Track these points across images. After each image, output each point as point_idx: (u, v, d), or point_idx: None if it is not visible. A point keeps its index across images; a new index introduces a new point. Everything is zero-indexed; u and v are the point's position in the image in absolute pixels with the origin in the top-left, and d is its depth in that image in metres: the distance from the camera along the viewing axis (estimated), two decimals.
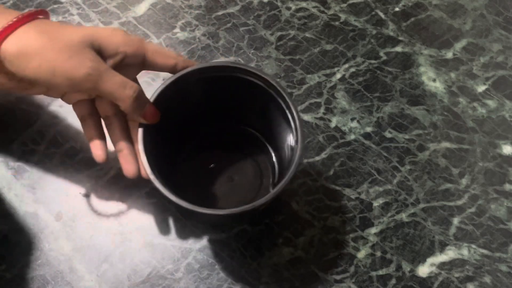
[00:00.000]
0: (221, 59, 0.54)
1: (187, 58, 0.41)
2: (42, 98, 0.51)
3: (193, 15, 0.57)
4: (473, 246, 0.47)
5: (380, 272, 0.45)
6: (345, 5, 0.58)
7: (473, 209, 0.48)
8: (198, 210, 0.36)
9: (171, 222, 0.46)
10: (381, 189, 0.49)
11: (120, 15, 0.56)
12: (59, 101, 0.50)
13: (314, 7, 0.58)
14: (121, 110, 0.38)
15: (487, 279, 0.45)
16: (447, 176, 0.50)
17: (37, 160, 0.48)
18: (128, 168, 0.40)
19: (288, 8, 0.58)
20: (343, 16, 0.58)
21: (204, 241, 0.45)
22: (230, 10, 0.57)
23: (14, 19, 0.34)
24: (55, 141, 0.49)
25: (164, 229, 0.46)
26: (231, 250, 0.45)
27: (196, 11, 0.57)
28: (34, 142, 0.49)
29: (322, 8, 0.58)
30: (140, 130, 0.39)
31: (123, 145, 0.40)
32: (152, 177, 0.37)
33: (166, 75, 0.53)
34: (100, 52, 0.36)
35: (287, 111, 0.40)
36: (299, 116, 0.40)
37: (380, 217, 0.47)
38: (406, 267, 0.45)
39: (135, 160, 0.40)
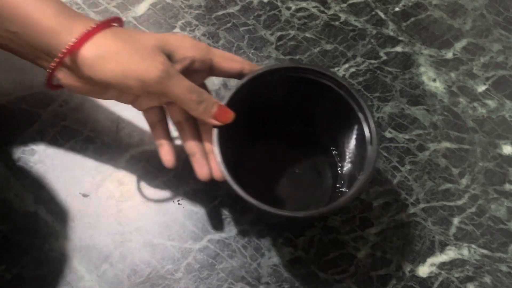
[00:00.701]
0: None
1: (252, 63, 0.42)
2: (42, 98, 0.51)
3: (193, 15, 0.57)
4: (473, 246, 0.47)
5: (380, 272, 0.45)
6: (345, 5, 0.58)
7: (473, 209, 0.48)
8: (278, 212, 0.37)
9: (171, 223, 0.46)
10: (381, 189, 0.49)
11: (120, 15, 0.56)
12: (59, 101, 0.50)
13: (314, 7, 0.58)
14: (192, 115, 0.39)
15: (487, 279, 0.45)
16: (447, 176, 0.50)
17: (37, 160, 0.48)
18: (201, 171, 0.41)
19: (288, 8, 0.58)
20: (343, 16, 0.58)
21: (204, 241, 0.45)
22: (230, 10, 0.57)
23: (93, 26, 0.35)
24: (55, 141, 0.49)
25: (165, 230, 0.46)
26: (231, 250, 0.45)
27: (196, 11, 0.57)
28: (34, 142, 0.49)
29: (322, 8, 0.58)
30: (215, 132, 0.39)
31: (195, 149, 0.41)
32: (228, 178, 0.37)
33: None
34: (170, 56, 0.37)
35: (359, 113, 0.40)
36: (373, 117, 0.40)
37: (380, 217, 0.47)
38: (406, 267, 0.45)
39: (207, 162, 0.41)
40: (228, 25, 0.56)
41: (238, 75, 0.41)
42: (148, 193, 0.47)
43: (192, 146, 0.41)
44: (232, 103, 0.40)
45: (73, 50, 0.35)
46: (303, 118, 0.47)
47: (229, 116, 0.39)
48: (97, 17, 0.56)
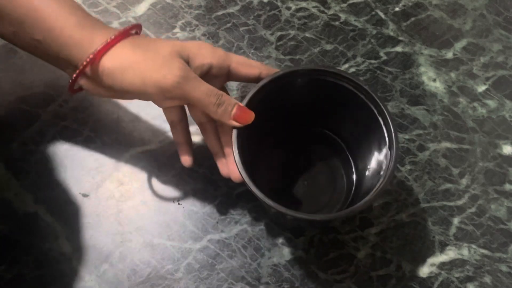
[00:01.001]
0: None
1: (269, 67, 0.43)
2: (42, 98, 0.51)
3: (193, 15, 0.57)
4: (473, 246, 0.47)
5: (380, 272, 0.45)
6: (345, 5, 0.58)
7: (473, 209, 0.48)
8: (296, 215, 0.37)
9: (171, 223, 0.46)
10: None
11: (120, 15, 0.56)
12: (59, 101, 0.50)
13: (314, 7, 0.58)
14: None
15: (487, 279, 0.45)
16: (447, 176, 0.50)
17: (37, 160, 0.48)
18: (224, 170, 0.42)
19: (288, 8, 0.58)
20: (343, 16, 0.58)
21: (204, 241, 0.45)
22: (230, 10, 0.57)
23: (112, 37, 0.36)
24: (55, 141, 0.49)
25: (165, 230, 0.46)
26: (231, 250, 0.45)
27: (196, 11, 0.57)
28: (34, 142, 0.49)
29: (322, 8, 0.58)
30: (234, 133, 0.39)
31: (218, 149, 0.43)
32: (247, 180, 0.37)
33: None
34: (188, 62, 0.38)
35: (379, 117, 0.40)
36: (393, 121, 0.39)
37: (380, 217, 0.47)
38: (406, 267, 0.45)
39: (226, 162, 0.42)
40: (228, 25, 0.56)
41: (256, 80, 0.41)
42: (148, 193, 0.47)
43: (215, 146, 0.43)
44: (251, 105, 0.40)
45: (93, 61, 0.36)
46: (321, 120, 0.47)
47: (249, 117, 0.39)
48: (97, 17, 0.56)
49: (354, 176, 0.46)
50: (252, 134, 0.41)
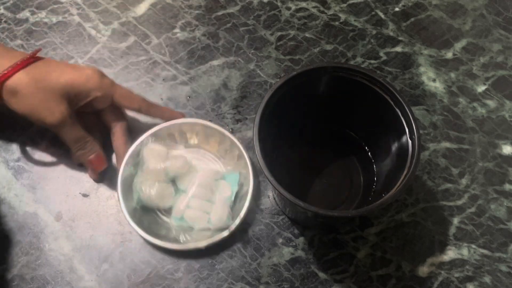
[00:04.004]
0: (221, 59, 0.54)
1: (152, 104, 0.47)
2: None
3: (193, 15, 0.57)
4: (473, 246, 0.47)
5: (380, 272, 0.45)
6: (345, 5, 0.58)
7: (473, 209, 0.48)
8: (329, 213, 0.36)
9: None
10: None
11: (120, 15, 0.56)
12: None
13: (314, 7, 0.58)
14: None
15: (487, 279, 0.45)
16: (447, 176, 0.50)
17: (37, 160, 0.48)
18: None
19: (288, 8, 0.58)
20: (343, 16, 0.58)
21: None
22: (230, 10, 0.57)
23: (18, 62, 0.41)
24: (55, 141, 0.49)
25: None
26: (231, 250, 0.45)
27: (196, 11, 0.57)
28: (34, 142, 0.49)
29: (322, 8, 0.58)
30: (256, 131, 0.39)
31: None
32: (270, 178, 0.37)
33: (166, 76, 0.53)
34: (76, 96, 0.43)
35: (396, 108, 0.40)
36: (411, 110, 0.39)
37: (380, 217, 0.47)
38: (406, 267, 0.45)
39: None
40: (228, 25, 0.56)
41: (137, 111, 0.47)
42: None
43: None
44: (267, 108, 0.40)
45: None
46: (336, 117, 0.47)
47: (101, 166, 0.46)
48: (97, 17, 0.56)
49: (372, 170, 0.46)
50: (270, 134, 0.41)
